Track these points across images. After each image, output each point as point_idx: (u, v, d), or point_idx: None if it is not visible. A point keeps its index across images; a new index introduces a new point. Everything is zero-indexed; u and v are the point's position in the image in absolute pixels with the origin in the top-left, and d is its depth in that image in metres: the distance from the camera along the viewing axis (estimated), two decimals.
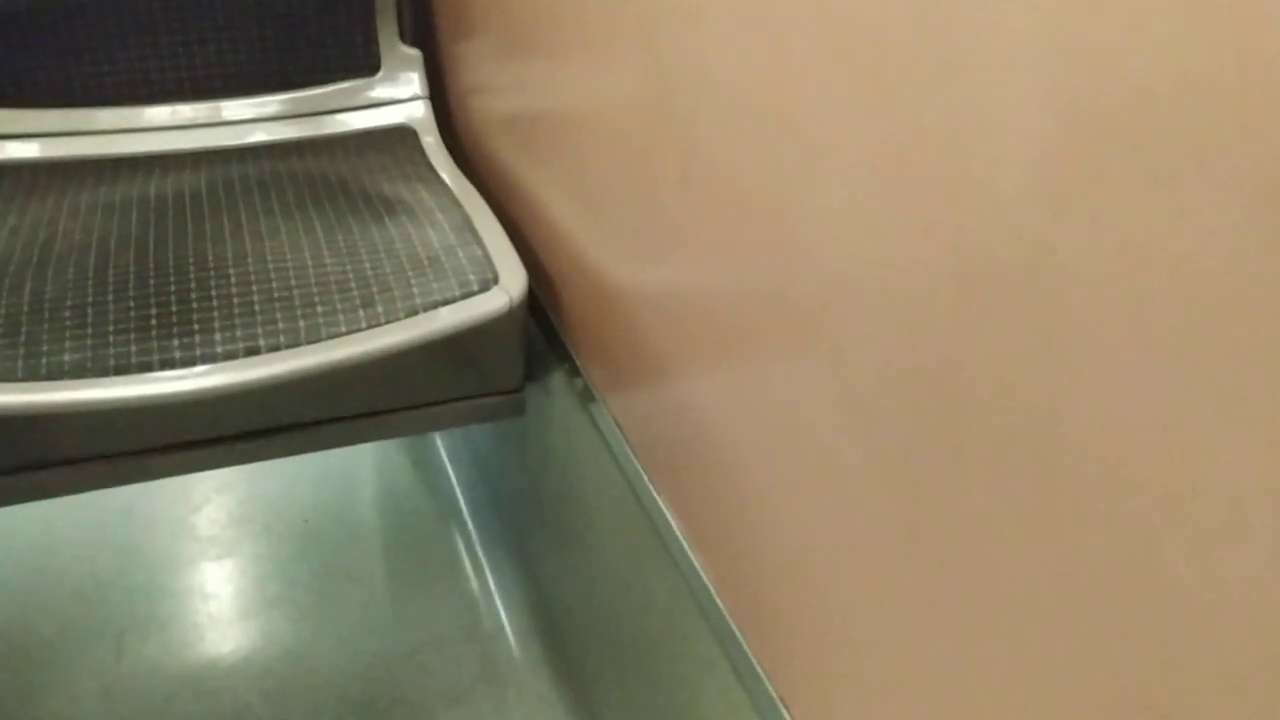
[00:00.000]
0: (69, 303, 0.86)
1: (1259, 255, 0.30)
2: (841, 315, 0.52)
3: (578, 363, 0.95)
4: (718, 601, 0.72)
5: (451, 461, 1.45)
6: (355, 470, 1.45)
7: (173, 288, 0.89)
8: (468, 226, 1.00)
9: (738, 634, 0.70)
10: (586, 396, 0.92)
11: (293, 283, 0.90)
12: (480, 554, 1.31)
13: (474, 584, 1.27)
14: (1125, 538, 0.37)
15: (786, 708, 0.65)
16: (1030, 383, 0.40)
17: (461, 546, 1.32)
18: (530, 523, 1.17)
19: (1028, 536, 0.42)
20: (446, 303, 0.89)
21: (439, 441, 1.50)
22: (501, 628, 1.21)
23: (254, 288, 0.90)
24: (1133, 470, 0.36)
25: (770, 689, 0.66)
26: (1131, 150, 0.34)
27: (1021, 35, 0.38)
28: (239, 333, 0.84)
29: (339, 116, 1.22)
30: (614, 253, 0.82)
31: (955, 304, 0.44)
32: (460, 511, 1.37)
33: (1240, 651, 0.33)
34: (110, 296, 0.87)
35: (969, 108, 0.41)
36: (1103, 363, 0.37)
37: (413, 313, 0.88)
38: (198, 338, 0.83)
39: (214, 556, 1.30)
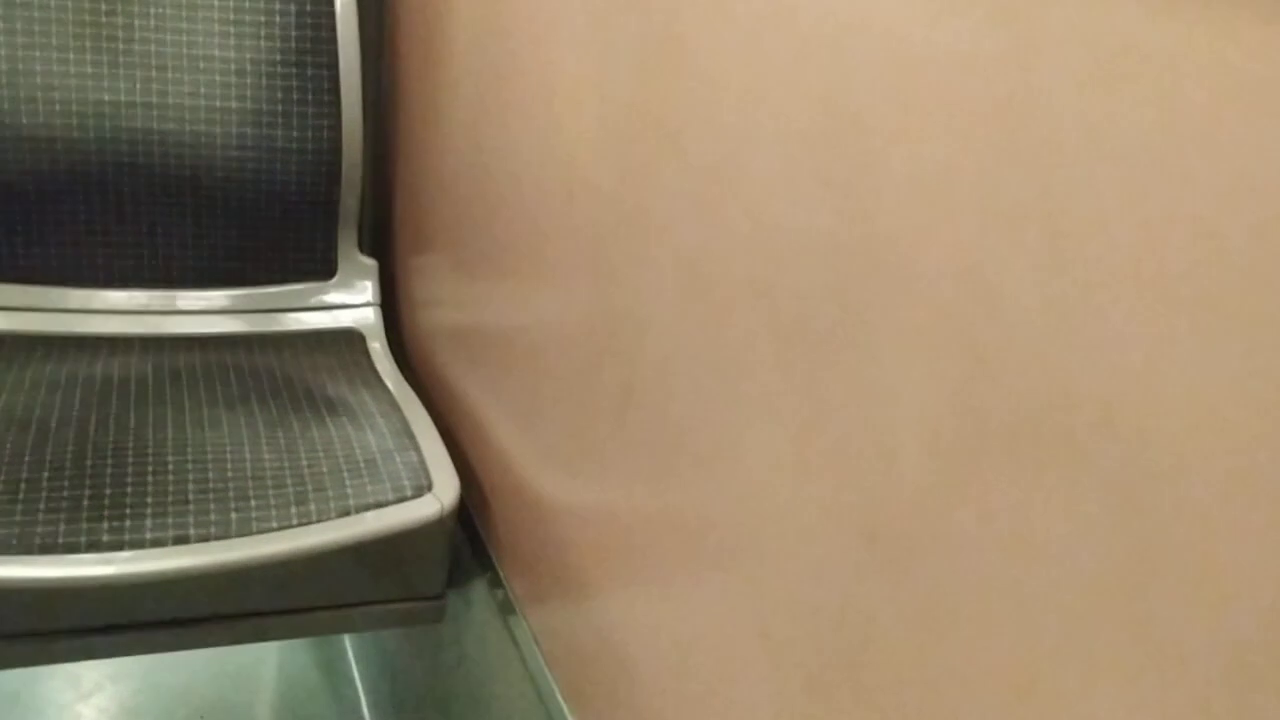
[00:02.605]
0: (1, 478, 0.87)
1: (1112, 543, 0.36)
2: (758, 554, 0.56)
3: (500, 573, 0.97)
4: None
5: (358, 663, 1.42)
6: (256, 666, 1.41)
7: (109, 470, 0.90)
8: (406, 432, 1.03)
9: None
10: (506, 608, 0.94)
11: (229, 474, 0.92)
12: None
13: None
14: None
15: None
16: (931, 634, 0.45)
17: None
18: None
19: None
20: (379, 505, 0.92)
21: (347, 640, 1.47)
22: None
23: (190, 476, 0.91)
24: None
25: None
26: (1010, 442, 0.40)
27: (918, 337, 0.44)
28: (170, 520, 0.86)
29: (291, 315, 1.27)
30: (547, 470, 0.86)
31: (860, 556, 0.48)
32: (363, 718, 1.34)
33: None
34: (45, 475, 0.88)
35: (876, 389, 0.47)
36: (989, 632, 0.41)
37: (345, 513, 0.90)
38: (129, 522, 0.84)
39: None
